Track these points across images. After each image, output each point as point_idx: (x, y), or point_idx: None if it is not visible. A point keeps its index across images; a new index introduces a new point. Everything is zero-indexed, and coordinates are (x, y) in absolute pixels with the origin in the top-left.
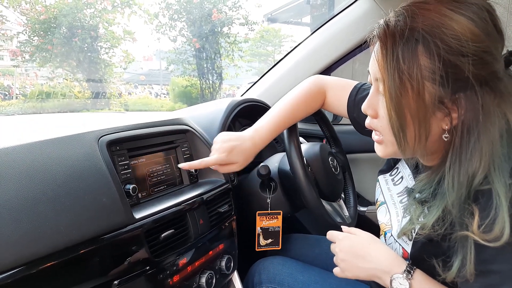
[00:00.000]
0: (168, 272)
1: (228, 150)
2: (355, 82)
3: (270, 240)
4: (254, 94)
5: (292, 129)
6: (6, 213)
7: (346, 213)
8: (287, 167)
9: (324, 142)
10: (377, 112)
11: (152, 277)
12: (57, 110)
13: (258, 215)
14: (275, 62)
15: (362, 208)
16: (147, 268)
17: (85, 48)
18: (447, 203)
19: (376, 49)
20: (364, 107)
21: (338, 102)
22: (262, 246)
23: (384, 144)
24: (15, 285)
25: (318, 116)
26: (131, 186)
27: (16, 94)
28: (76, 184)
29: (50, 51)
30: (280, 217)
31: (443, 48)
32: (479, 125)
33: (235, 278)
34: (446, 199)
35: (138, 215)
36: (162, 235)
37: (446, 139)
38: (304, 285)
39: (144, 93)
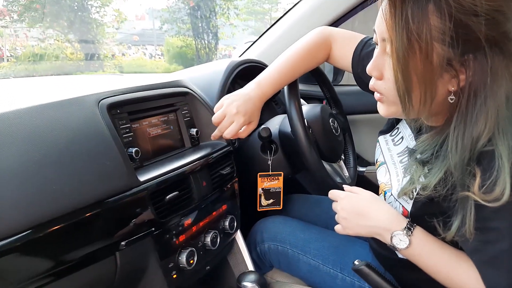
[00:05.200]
0: (174, 232)
1: (241, 110)
2: (362, 36)
3: (271, 201)
4: (253, 54)
5: (293, 91)
6: (11, 178)
7: (346, 173)
8: (288, 129)
9: (324, 103)
10: (383, 73)
11: (159, 237)
12: (51, 72)
13: (259, 177)
14: (274, 21)
15: (361, 169)
16: (153, 229)
17: (75, 7)
18: (450, 165)
19: (383, 7)
20: (369, 68)
21: (343, 55)
22: (264, 206)
23: (386, 103)
24: (23, 248)
25: (318, 77)
26: (133, 149)
27: (7, 56)
28: (79, 147)
29: (39, 11)
30: (281, 178)
31: (455, 7)
32: (487, 87)
33: (239, 237)
34: (449, 161)
35: (142, 178)
36: (167, 197)
37: (451, 101)
38: (305, 242)
39: (138, 54)
